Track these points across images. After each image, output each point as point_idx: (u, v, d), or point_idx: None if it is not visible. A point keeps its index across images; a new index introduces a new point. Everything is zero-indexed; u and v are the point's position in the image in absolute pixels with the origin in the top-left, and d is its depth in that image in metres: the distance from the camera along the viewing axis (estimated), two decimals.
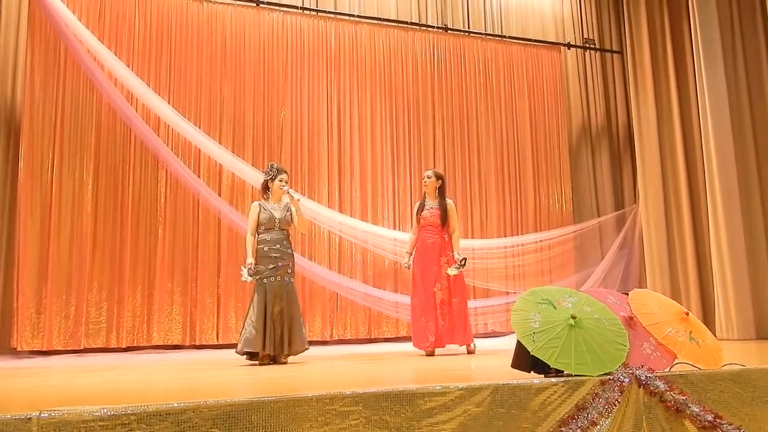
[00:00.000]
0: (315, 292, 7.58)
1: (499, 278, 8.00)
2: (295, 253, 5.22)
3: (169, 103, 7.15)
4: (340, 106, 8.19)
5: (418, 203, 6.02)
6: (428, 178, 5.91)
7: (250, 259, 4.95)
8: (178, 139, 7.19)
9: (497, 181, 8.71)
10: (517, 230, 8.61)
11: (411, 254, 5.90)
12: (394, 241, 7.61)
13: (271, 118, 7.84)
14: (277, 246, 5.02)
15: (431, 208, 5.85)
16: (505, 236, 8.45)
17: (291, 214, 5.17)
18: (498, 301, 7.86)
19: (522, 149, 8.94)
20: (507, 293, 7.94)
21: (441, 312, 5.60)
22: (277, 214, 5.10)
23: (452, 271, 5.63)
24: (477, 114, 8.83)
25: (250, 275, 4.88)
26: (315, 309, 7.58)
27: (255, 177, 6.86)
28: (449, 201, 5.94)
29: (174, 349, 6.97)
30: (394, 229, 7.94)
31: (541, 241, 8.36)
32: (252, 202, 5.50)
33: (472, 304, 7.61)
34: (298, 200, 5.12)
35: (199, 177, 7.27)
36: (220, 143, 7.31)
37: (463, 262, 5.66)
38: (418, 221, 5.88)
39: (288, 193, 5.13)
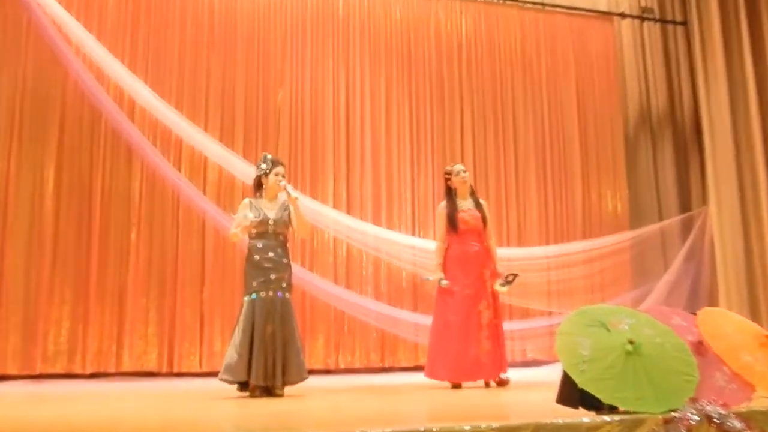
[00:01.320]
0: (317, 310, 7.55)
1: (539, 295, 7.93)
2: (292, 264, 5.19)
3: (145, 82, 7.17)
4: (349, 87, 8.19)
5: (443, 204, 5.90)
6: (464, 173, 5.85)
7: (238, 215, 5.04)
8: (155, 125, 7.19)
9: (538, 177, 8.66)
10: (561, 237, 8.54)
11: (442, 265, 5.80)
12: (412, 249, 7.57)
13: (266, 100, 7.84)
14: (271, 254, 4.98)
15: (469, 209, 5.78)
16: (548, 244, 8.40)
17: (289, 214, 5.13)
18: (539, 323, 7.78)
19: (568, 139, 8.89)
20: (550, 313, 7.89)
21: (489, 334, 5.55)
22: (272, 215, 5.06)
23: (502, 288, 5.59)
24: (513, 97, 8.79)
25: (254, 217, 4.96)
26: (317, 331, 7.56)
27: (246, 171, 6.84)
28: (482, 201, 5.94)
29: (148, 376, 6.97)
30: (413, 234, 7.91)
31: (591, 250, 8.26)
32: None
33: (507, 326, 7.56)
34: (296, 199, 5.08)
35: (180, 171, 7.28)
36: (205, 131, 7.32)
37: (510, 278, 5.62)
38: (454, 227, 5.74)
39: (285, 189, 5.10)
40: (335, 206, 7.79)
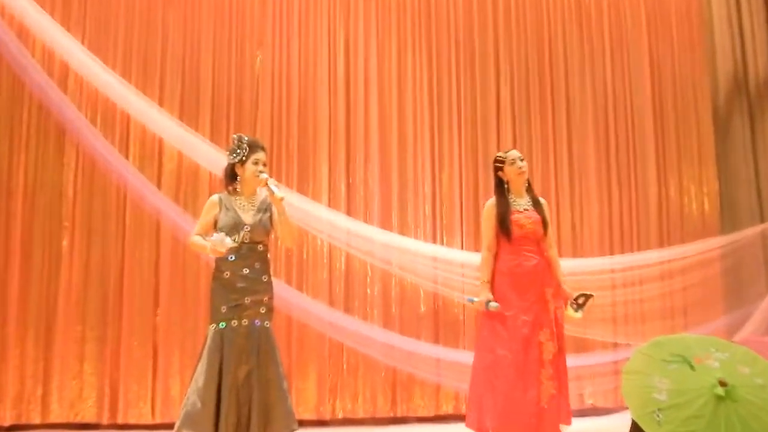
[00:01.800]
0: (307, 342, 7.53)
1: (601, 321, 7.83)
2: (274, 281, 5.17)
3: (82, 42, 7.21)
4: (349, 49, 8.17)
5: (492, 202, 5.87)
6: (521, 161, 5.83)
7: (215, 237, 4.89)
8: (95, 98, 7.24)
9: (598, 166, 8.60)
10: (630, 245, 8.46)
11: (490, 284, 5.75)
12: (433, 261, 7.56)
13: (240, 66, 7.85)
14: (246, 271, 4.97)
15: (526, 209, 5.75)
16: (611, 254, 8.32)
17: (270, 217, 5.12)
18: (600, 359, 7.76)
19: (638, 116, 8.81)
20: (615, 345, 7.87)
21: (552, 373, 5.50)
22: (248, 218, 5.06)
23: (575, 314, 5.57)
24: (566, 62, 8.75)
25: (234, 240, 4.88)
26: (307, 370, 7.53)
27: (215, 158, 6.85)
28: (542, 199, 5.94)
29: (85, 429, 6.97)
30: (434, 242, 7.88)
31: (669, 261, 8.18)
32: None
33: None
34: (282, 198, 5.06)
35: (127, 158, 7.29)
36: (160, 105, 7.34)
37: (582, 300, 5.58)
38: (507, 232, 5.71)
39: (267, 185, 5.07)
40: (332, 205, 7.78)
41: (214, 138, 7.36)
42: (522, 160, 5.83)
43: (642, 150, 8.76)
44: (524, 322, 5.52)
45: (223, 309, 4.91)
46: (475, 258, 7.33)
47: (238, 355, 4.83)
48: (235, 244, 4.88)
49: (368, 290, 7.81)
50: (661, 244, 8.49)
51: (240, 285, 4.94)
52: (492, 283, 5.66)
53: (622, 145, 8.73)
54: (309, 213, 7.29)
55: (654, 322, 8.01)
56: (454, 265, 7.30)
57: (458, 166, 8.21)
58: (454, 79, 8.42)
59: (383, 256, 7.66)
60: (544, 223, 5.75)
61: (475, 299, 5.73)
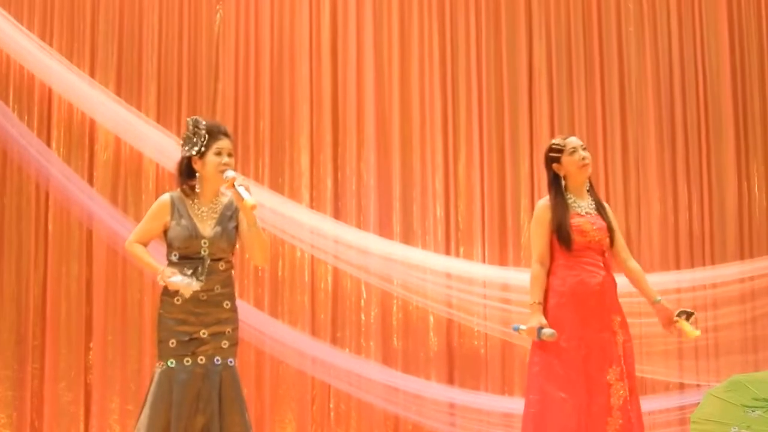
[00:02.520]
0: (284, 384, 7.56)
1: (664, 355, 7.87)
2: (240, 306, 5.14)
3: None
4: (337, 3, 8.17)
5: (545, 203, 5.86)
6: (584, 150, 5.82)
7: (166, 268, 4.85)
8: (7, 67, 7.30)
9: (660, 155, 8.59)
10: (700, 256, 8.47)
11: (542, 305, 5.75)
12: (447, 279, 7.61)
13: (195, 25, 7.90)
14: (203, 296, 4.95)
15: (588, 213, 5.75)
16: (677, 269, 8.34)
17: (237, 227, 5.10)
18: (662, 404, 7.74)
19: (714, 89, 8.80)
20: (681, 386, 7.88)
21: (623, 423, 5.50)
22: (207, 229, 5.02)
23: (694, 330, 5.54)
24: (619, 24, 8.75)
25: (198, 278, 4.77)
26: (283, 419, 7.51)
27: (164, 147, 6.91)
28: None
29: None
30: (447, 253, 7.89)
31: (752, 278, 8.20)
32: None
33: None
34: (254, 207, 5.00)
35: (49, 146, 7.34)
36: (91, 76, 7.39)
37: (684, 316, 5.57)
38: (566, 241, 5.70)
39: (234, 186, 5.02)
40: (315, 206, 7.83)
41: (161, 119, 7.40)
42: (585, 149, 5.79)
43: (717, 133, 8.71)
44: (587, 356, 5.51)
45: (173, 343, 4.86)
46: (499, 274, 7.35)
47: (193, 401, 4.79)
48: (202, 282, 4.86)
49: (362, 316, 7.83)
50: (741, 256, 8.46)
51: (196, 314, 4.91)
52: (545, 306, 5.66)
53: (692, 131, 8.69)
54: (285, 217, 7.34)
55: (732, 357, 7.91)
56: (473, 283, 7.30)
57: (478, 154, 8.20)
58: (474, 39, 8.41)
59: (382, 272, 7.68)
60: (611, 231, 5.74)
61: (523, 327, 5.67)
